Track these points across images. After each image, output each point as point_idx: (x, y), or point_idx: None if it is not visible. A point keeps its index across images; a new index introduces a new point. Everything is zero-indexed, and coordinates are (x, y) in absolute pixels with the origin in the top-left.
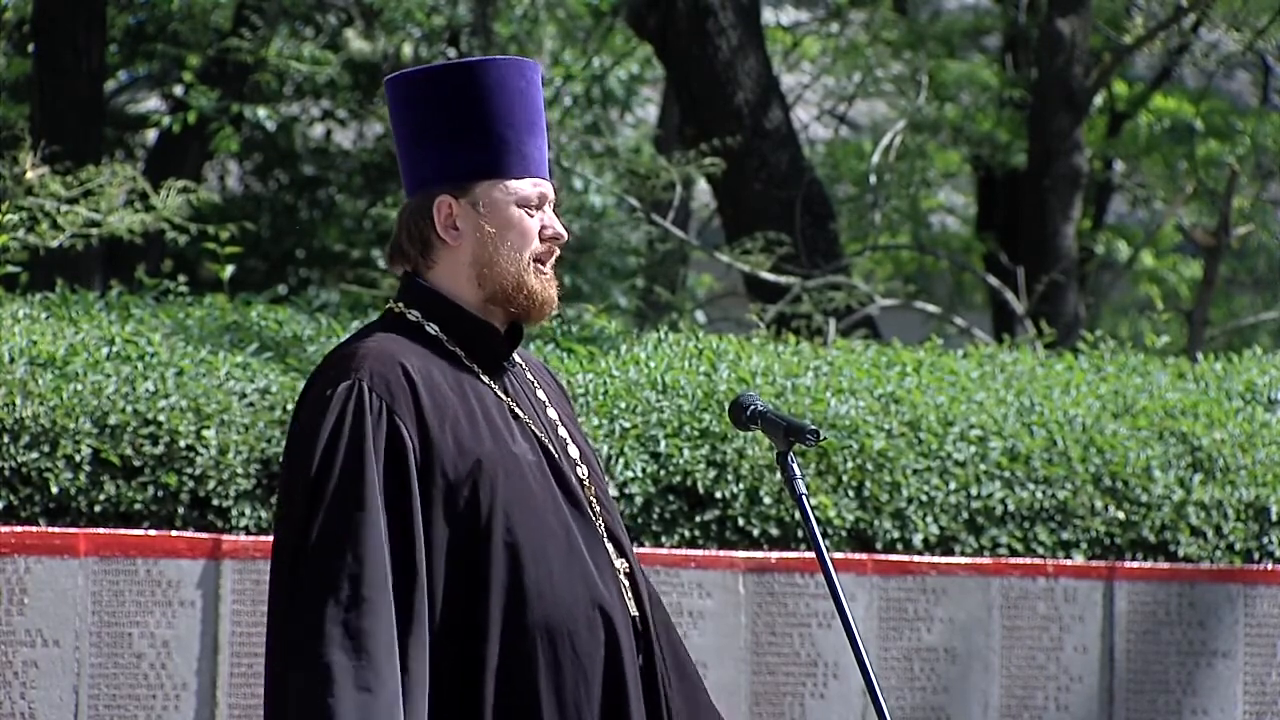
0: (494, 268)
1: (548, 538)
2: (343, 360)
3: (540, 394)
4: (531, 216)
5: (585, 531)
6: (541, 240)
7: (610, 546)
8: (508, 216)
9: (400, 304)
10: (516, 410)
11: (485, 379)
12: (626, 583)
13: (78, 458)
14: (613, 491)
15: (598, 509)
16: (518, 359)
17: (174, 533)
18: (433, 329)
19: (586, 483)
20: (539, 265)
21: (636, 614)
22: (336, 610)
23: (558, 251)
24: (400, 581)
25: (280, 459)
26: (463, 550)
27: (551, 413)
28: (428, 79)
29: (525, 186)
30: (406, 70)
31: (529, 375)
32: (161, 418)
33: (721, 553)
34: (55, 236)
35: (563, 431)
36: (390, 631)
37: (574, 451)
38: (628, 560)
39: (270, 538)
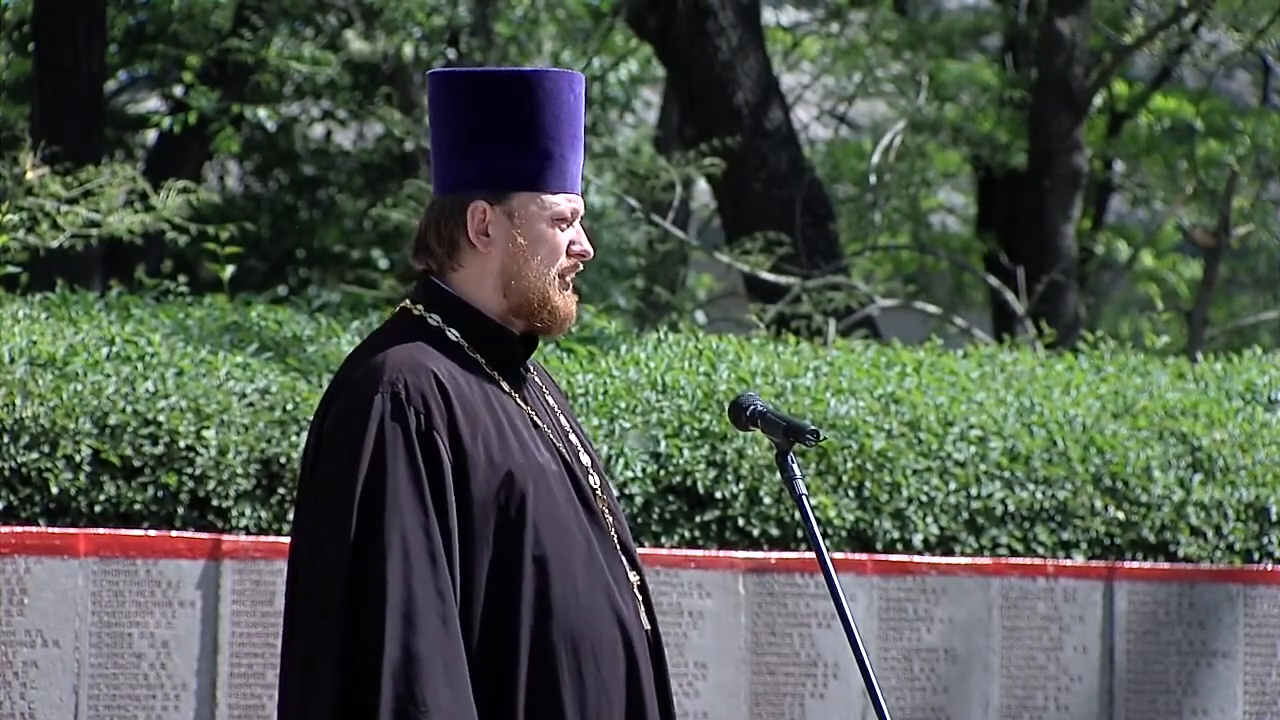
0: (521, 280)
1: (572, 550)
2: (373, 368)
3: (550, 401)
4: (562, 232)
5: (603, 544)
6: (569, 256)
7: (624, 559)
8: (541, 231)
9: (419, 306)
10: (536, 419)
11: (506, 387)
12: (640, 596)
13: (78, 458)
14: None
15: (610, 520)
16: (529, 365)
17: (174, 533)
18: (453, 335)
19: (599, 492)
20: (563, 280)
21: (649, 627)
22: (398, 627)
23: (580, 267)
24: (442, 595)
25: (281, 459)
26: (496, 563)
27: (563, 420)
28: (480, 82)
29: (560, 202)
30: (458, 69)
31: (538, 382)
32: (161, 418)
33: (721, 553)
34: (55, 237)
35: (574, 439)
36: (447, 645)
37: (585, 460)
38: (639, 573)
39: (271, 538)
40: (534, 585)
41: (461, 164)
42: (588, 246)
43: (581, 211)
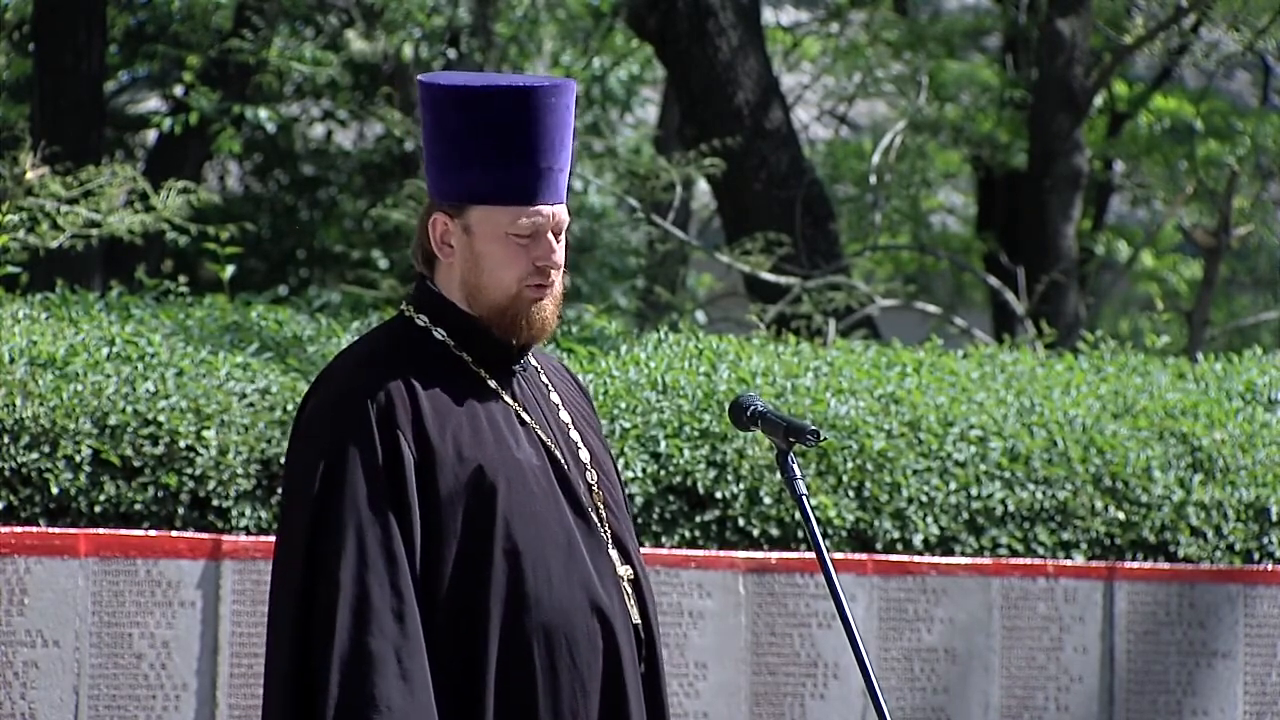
0: (481, 293)
1: (548, 544)
2: (344, 369)
3: (554, 396)
4: (520, 245)
5: (588, 538)
6: (536, 269)
7: (615, 553)
8: (493, 246)
9: (410, 307)
10: (523, 415)
11: (492, 384)
12: (630, 590)
13: (78, 458)
14: None
15: (603, 514)
16: (533, 361)
17: (174, 533)
18: (439, 334)
19: (595, 487)
20: (533, 289)
21: (639, 621)
22: (349, 623)
23: (554, 278)
24: (400, 592)
25: (280, 460)
26: (464, 557)
27: (564, 415)
28: (432, 95)
29: (518, 216)
30: (428, 77)
31: (543, 378)
32: (161, 418)
33: (722, 553)
34: (55, 237)
35: (575, 434)
36: (400, 641)
37: (585, 455)
38: (632, 567)
39: (270, 538)
40: (505, 578)
41: (430, 173)
42: (555, 259)
43: (550, 223)
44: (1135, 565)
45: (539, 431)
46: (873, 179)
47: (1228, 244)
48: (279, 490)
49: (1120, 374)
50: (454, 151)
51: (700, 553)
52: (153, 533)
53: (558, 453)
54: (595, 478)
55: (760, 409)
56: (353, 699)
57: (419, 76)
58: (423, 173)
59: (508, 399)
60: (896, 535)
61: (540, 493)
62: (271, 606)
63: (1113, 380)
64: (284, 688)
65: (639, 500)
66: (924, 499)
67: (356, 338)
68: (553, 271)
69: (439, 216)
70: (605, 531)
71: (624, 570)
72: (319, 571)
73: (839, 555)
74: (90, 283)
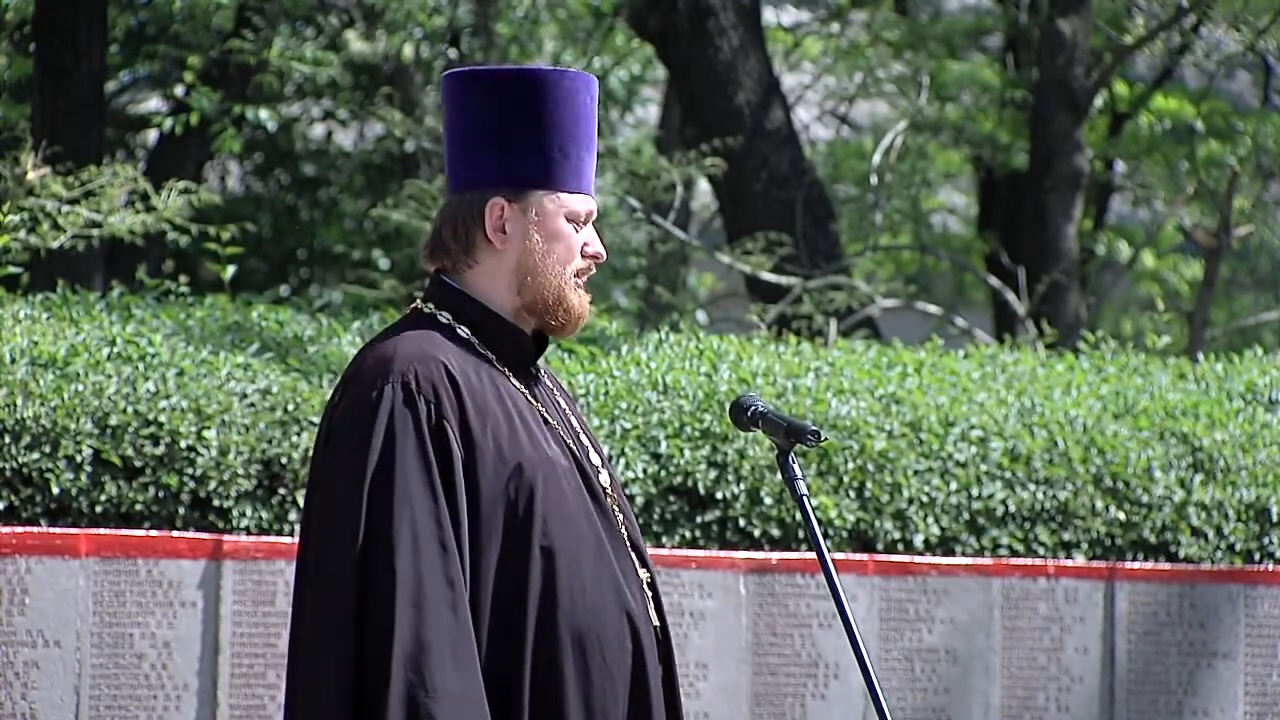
0: (537, 277)
1: (581, 544)
2: (384, 359)
3: (561, 401)
4: (577, 232)
5: (612, 539)
6: (583, 257)
7: (634, 555)
8: (558, 229)
9: (430, 304)
10: (546, 416)
11: (516, 383)
12: (649, 592)
13: (79, 458)
14: None
15: (620, 517)
16: (539, 366)
17: (175, 533)
18: (464, 331)
19: (610, 490)
20: (578, 280)
21: (658, 624)
22: (408, 614)
23: (594, 269)
24: (452, 582)
25: (281, 460)
26: (503, 553)
27: (574, 420)
28: (501, 80)
29: (576, 202)
30: (472, 68)
31: (548, 383)
32: (162, 418)
33: (722, 553)
34: (56, 237)
35: (584, 439)
36: (457, 632)
37: (595, 459)
38: (649, 570)
39: (271, 539)
40: (541, 576)
41: (479, 162)
42: (600, 249)
43: (595, 213)
44: (1136, 566)
45: (561, 432)
46: (873, 179)
47: (1228, 244)
48: (280, 490)
49: (1121, 374)
50: (515, 137)
51: (701, 553)
52: (153, 533)
53: (578, 454)
54: (608, 480)
55: (761, 409)
56: (414, 687)
57: (452, 71)
58: (427, 172)
59: (531, 398)
60: (897, 535)
61: (571, 493)
62: (311, 589)
63: (1113, 380)
64: (340, 673)
65: (640, 500)
66: (925, 499)
67: (361, 338)
68: (596, 263)
69: (497, 202)
70: (624, 533)
71: (643, 573)
72: (375, 562)
73: (840, 555)
74: (91, 283)
